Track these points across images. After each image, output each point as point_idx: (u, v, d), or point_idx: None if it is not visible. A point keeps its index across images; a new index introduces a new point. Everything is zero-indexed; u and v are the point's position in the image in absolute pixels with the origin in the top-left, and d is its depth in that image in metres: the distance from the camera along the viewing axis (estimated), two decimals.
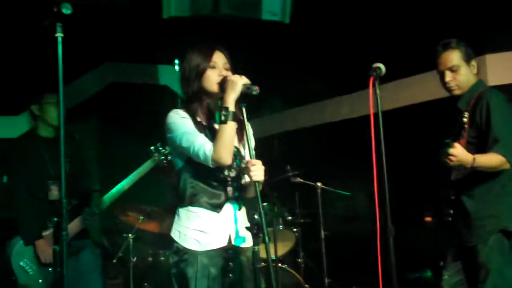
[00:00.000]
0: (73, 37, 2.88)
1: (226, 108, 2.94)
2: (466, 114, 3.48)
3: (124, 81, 7.37)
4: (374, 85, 3.28)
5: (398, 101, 5.45)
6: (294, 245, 5.73)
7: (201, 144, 2.97)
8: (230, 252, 3.10)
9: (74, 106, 6.29)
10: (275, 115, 7.21)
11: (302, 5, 5.60)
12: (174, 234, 3.13)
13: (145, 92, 7.37)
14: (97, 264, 4.81)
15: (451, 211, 3.70)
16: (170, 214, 5.03)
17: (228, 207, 3.12)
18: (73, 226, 4.39)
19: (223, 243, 3.08)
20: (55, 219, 2.71)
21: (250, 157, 3.01)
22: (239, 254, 3.12)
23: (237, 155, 3.16)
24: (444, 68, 3.74)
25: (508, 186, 3.64)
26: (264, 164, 3.00)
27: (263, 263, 4.54)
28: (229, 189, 3.13)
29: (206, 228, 3.07)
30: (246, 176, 3.09)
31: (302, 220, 5.73)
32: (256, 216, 2.88)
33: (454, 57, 3.72)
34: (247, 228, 3.01)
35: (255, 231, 2.90)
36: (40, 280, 4.44)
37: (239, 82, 2.95)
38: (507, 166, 3.52)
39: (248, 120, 3.04)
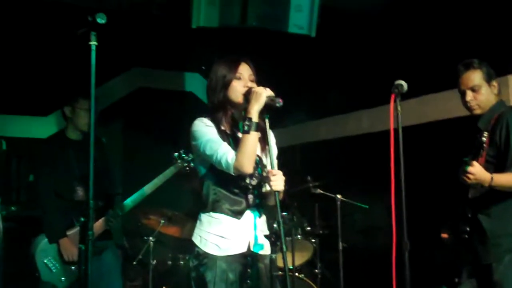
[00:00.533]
0: (105, 41, 2.93)
1: (250, 119, 3.00)
2: (486, 134, 3.51)
3: (151, 86, 7.45)
4: (395, 101, 3.31)
5: (419, 118, 5.46)
6: (312, 255, 5.73)
7: (224, 153, 3.04)
8: (249, 259, 3.14)
9: (101, 109, 6.32)
10: (298, 126, 7.24)
11: (328, 20, 5.66)
12: (196, 239, 3.19)
13: (171, 98, 7.46)
14: (118, 265, 4.89)
15: (468, 229, 3.71)
16: (191, 219, 5.14)
17: (249, 214, 3.18)
18: (97, 227, 4.43)
19: (243, 249, 3.13)
20: (82, 219, 2.79)
21: (271, 167, 3.07)
22: (257, 261, 3.17)
23: (259, 164, 3.21)
24: (465, 87, 3.78)
25: None
26: (285, 173, 3.05)
27: (280, 272, 4.62)
28: (250, 196, 3.18)
29: (227, 234, 3.12)
30: (267, 184, 3.14)
31: (320, 231, 5.75)
32: (275, 225, 2.94)
33: (475, 77, 3.76)
34: (265, 236, 3.08)
35: (273, 239, 2.96)
36: (63, 278, 4.51)
37: (264, 94, 3.01)
38: None
39: (272, 129, 3.11)
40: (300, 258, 5.68)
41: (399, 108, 3.30)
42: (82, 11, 2.96)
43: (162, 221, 5.30)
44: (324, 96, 6.75)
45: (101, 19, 2.78)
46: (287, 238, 5.25)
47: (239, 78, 3.19)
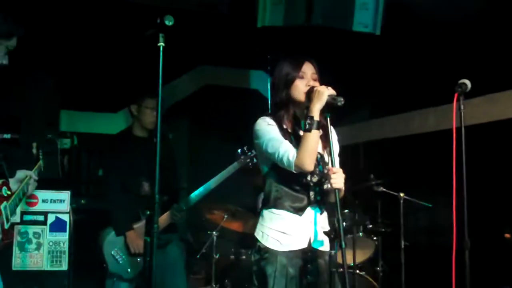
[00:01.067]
0: (172, 39, 2.96)
1: (311, 117, 3.04)
2: None
3: (217, 84, 7.52)
4: (458, 100, 3.30)
5: (485, 116, 5.38)
6: (373, 253, 5.70)
7: (285, 151, 3.08)
8: (309, 255, 3.18)
9: (168, 106, 6.44)
10: (362, 123, 7.22)
11: (393, 18, 5.63)
12: (258, 234, 3.24)
13: (236, 95, 7.50)
14: (181, 258, 4.98)
15: None
16: (253, 215, 5.20)
17: (310, 211, 3.21)
18: (162, 220, 4.48)
19: (303, 245, 3.17)
20: (148, 212, 2.85)
21: (332, 165, 3.09)
22: (317, 257, 3.20)
23: (320, 161, 3.23)
24: None
25: None
26: (348, 171, 3.08)
27: (341, 269, 4.64)
28: (311, 193, 3.21)
29: (288, 230, 3.17)
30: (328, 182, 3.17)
31: (383, 229, 5.71)
32: (335, 222, 2.96)
33: None
34: (325, 232, 3.11)
35: (332, 236, 2.99)
36: (129, 269, 4.61)
37: (326, 93, 3.04)
38: None
39: (334, 127, 3.13)
40: (362, 256, 5.66)
41: (462, 107, 3.28)
42: (151, 10, 3.01)
43: (226, 216, 5.35)
44: (388, 94, 6.71)
45: (169, 21, 2.82)
46: (348, 236, 5.27)
47: (302, 77, 3.23)
